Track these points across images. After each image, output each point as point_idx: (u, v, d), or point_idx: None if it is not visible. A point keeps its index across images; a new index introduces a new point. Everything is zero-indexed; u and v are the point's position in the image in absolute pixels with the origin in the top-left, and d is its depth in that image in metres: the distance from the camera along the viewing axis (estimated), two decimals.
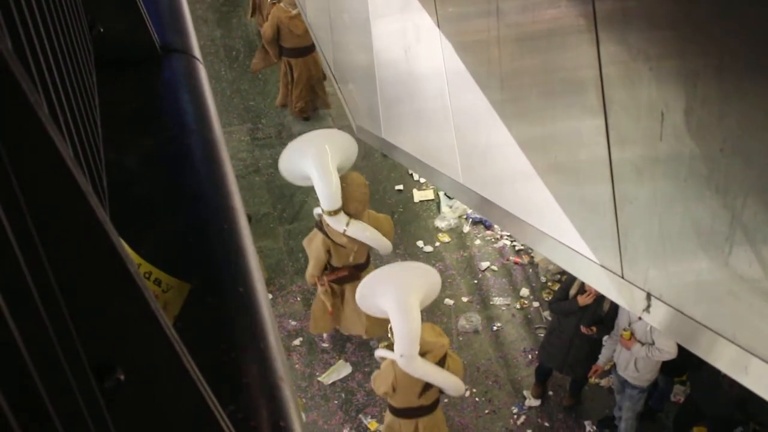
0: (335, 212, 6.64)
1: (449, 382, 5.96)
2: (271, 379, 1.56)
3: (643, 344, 6.01)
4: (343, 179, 6.71)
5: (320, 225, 6.89)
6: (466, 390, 7.13)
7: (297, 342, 7.58)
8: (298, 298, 7.96)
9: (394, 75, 5.32)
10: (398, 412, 6.19)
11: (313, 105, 9.82)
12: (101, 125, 1.92)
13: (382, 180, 9.03)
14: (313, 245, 6.98)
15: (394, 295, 5.84)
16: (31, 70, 1.09)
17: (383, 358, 6.04)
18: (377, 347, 6.49)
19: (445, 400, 7.03)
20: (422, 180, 9.05)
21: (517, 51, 3.33)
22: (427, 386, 5.97)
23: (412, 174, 9.08)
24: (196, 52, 2.72)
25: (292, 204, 8.67)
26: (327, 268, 7.04)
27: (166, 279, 1.60)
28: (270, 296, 7.73)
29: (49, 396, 0.72)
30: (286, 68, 9.47)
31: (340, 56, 6.73)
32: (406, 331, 5.73)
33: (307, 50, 9.22)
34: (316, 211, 6.97)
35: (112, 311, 0.92)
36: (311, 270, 7.05)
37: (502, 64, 3.37)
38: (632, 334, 6.05)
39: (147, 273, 1.58)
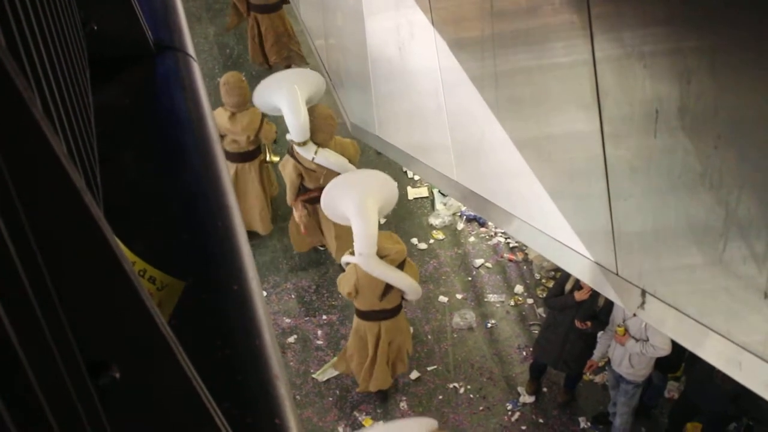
0: (304, 143, 7.30)
1: (405, 282, 6.45)
2: (267, 376, 1.56)
3: (637, 340, 6.02)
4: (311, 112, 7.30)
5: (291, 151, 7.50)
6: (461, 387, 7.14)
7: (291, 339, 7.58)
8: (293, 296, 7.96)
9: (388, 72, 5.32)
10: (363, 315, 6.70)
11: (287, 61, 10.05)
12: (95, 122, 1.91)
13: None
14: (287, 170, 7.62)
15: (354, 198, 6.41)
16: (24, 67, 1.09)
17: (348, 263, 6.55)
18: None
19: (440, 397, 7.05)
20: (416, 177, 9.05)
21: (512, 48, 3.33)
22: (387, 289, 6.46)
23: (406, 171, 9.08)
24: (190, 49, 2.71)
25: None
26: (301, 189, 7.70)
27: (160, 277, 1.60)
28: (264, 293, 7.72)
29: (43, 393, 0.72)
30: (253, 23, 9.78)
31: (334, 54, 6.72)
32: (364, 232, 6.30)
33: (274, 7, 9.63)
34: (288, 137, 7.57)
35: (106, 308, 0.92)
36: (288, 194, 7.73)
37: (496, 61, 3.37)
38: (626, 330, 6.06)
39: (141, 271, 1.58)
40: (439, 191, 8.77)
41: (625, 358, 6.18)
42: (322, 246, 8.25)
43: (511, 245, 8.41)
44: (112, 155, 2.04)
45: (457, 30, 3.93)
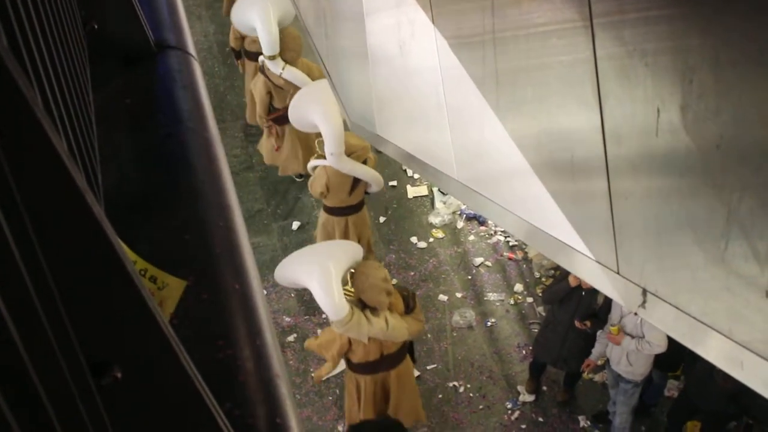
0: (273, 57, 8.09)
1: (370, 174, 7.26)
2: (268, 375, 1.56)
3: (633, 337, 6.03)
4: (281, 32, 8.10)
5: (262, 69, 8.33)
6: (461, 385, 7.14)
7: (291, 338, 7.58)
8: (293, 294, 7.96)
9: (388, 71, 5.31)
10: (331, 211, 7.51)
11: None
12: (96, 122, 1.91)
13: None
14: (257, 87, 8.46)
15: (321, 106, 7.05)
16: (26, 67, 1.08)
17: (315, 167, 7.31)
18: None
19: (439, 395, 7.04)
20: (416, 176, 9.04)
21: (513, 47, 3.33)
22: (354, 184, 7.26)
23: (405, 170, 9.08)
24: (191, 48, 2.71)
25: (286, 200, 8.66)
26: (271, 110, 8.50)
27: (161, 276, 1.60)
28: (264, 292, 7.72)
29: (46, 393, 0.71)
30: None
31: (334, 52, 6.72)
32: (333, 133, 6.99)
33: None
34: (260, 58, 8.38)
35: (108, 308, 0.91)
36: (258, 111, 8.55)
37: (497, 60, 3.37)
38: (621, 328, 6.07)
39: (143, 270, 1.58)
40: (439, 190, 8.77)
41: (623, 357, 6.19)
42: (299, 176, 8.87)
43: (510, 244, 8.41)
44: (113, 154, 2.04)
45: (458, 28, 3.92)
